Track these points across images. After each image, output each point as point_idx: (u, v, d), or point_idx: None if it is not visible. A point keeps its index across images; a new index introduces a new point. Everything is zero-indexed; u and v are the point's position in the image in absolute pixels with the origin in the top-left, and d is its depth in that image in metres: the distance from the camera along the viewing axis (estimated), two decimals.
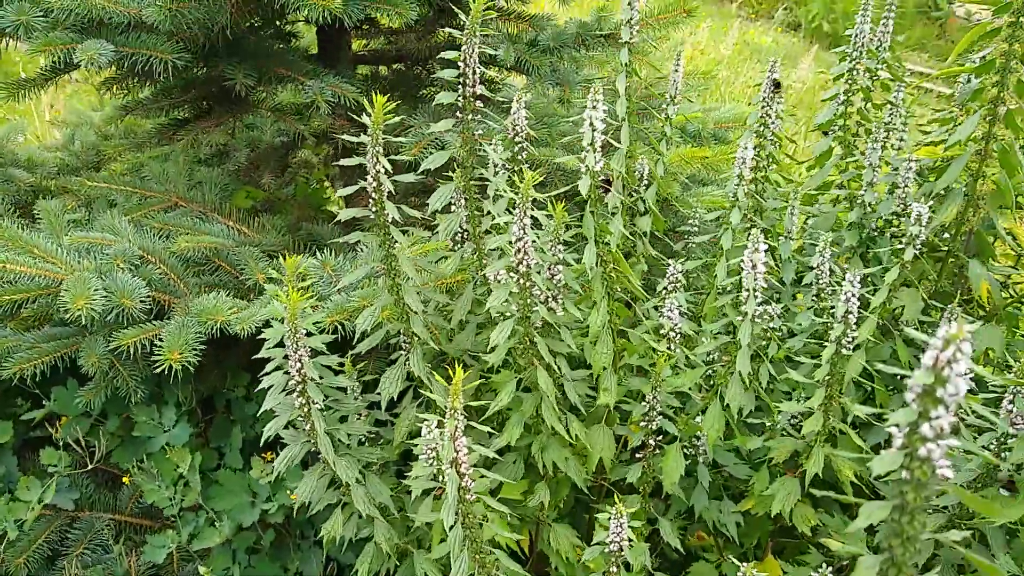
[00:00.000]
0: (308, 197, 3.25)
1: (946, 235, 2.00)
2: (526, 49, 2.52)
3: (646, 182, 2.24)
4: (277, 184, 3.18)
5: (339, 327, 1.99)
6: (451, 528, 1.30)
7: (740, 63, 7.93)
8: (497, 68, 2.86)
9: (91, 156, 3.19)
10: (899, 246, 1.80)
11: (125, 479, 2.24)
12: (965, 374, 0.63)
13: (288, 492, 2.19)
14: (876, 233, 2.04)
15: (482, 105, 1.57)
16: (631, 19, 1.83)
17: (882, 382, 1.99)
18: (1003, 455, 1.47)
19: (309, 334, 1.58)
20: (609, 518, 1.50)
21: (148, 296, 1.99)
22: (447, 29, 2.93)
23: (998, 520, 1.43)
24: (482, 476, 1.44)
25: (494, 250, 1.56)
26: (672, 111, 2.18)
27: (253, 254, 2.30)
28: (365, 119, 1.45)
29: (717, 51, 7.81)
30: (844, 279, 1.51)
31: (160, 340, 1.89)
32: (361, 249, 2.24)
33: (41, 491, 2.16)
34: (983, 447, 1.50)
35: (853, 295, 1.52)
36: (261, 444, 1.85)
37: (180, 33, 2.03)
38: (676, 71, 2.13)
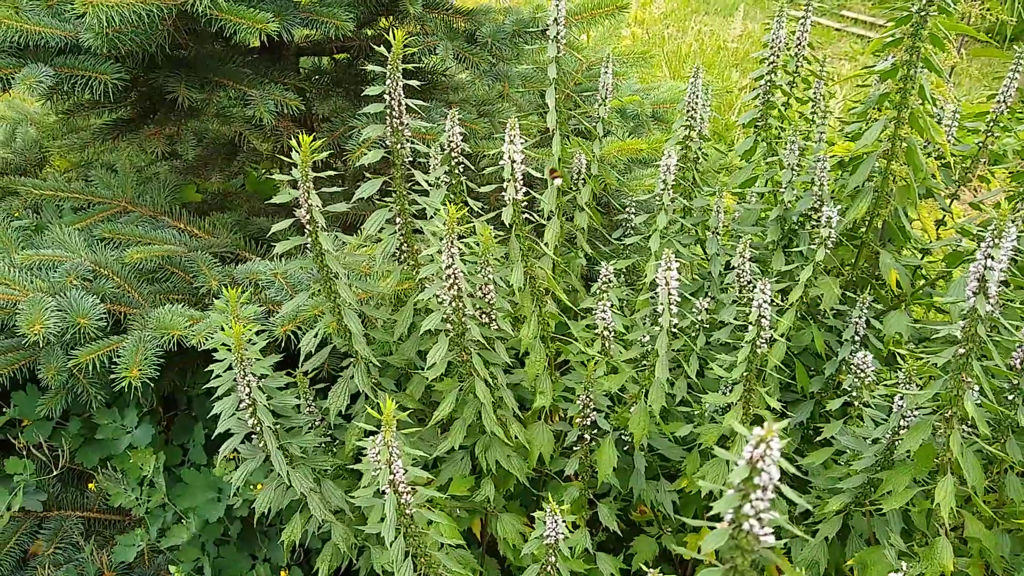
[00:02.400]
0: (258, 188, 3.29)
1: (862, 227, 2.13)
2: (464, 46, 2.57)
3: (582, 179, 2.33)
4: (226, 176, 3.21)
5: (292, 335, 2.08)
6: (392, 543, 1.42)
7: (687, 17, 7.95)
8: (439, 59, 2.90)
9: (35, 154, 3.19)
10: (812, 246, 1.92)
11: (91, 485, 2.32)
12: (776, 463, 0.76)
13: (251, 487, 2.29)
14: (797, 226, 2.16)
15: (410, 133, 1.64)
16: (558, 34, 1.89)
17: (803, 366, 2.14)
18: (895, 443, 1.63)
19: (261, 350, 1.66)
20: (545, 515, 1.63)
21: (103, 312, 2.05)
22: (389, 17, 2.97)
23: (888, 506, 1.59)
24: (426, 483, 1.55)
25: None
26: (604, 111, 2.26)
27: (205, 260, 2.36)
28: (295, 155, 1.52)
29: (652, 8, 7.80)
30: (756, 288, 1.64)
31: (118, 356, 1.96)
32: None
33: (9, 499, 2.23)
34: (878, 438, 1.66)
35: (765, 302, 1.65)
36: (221, 451, 1.94)
37: (118, 51, 2.05)
38: (606, 73, 2.21)
